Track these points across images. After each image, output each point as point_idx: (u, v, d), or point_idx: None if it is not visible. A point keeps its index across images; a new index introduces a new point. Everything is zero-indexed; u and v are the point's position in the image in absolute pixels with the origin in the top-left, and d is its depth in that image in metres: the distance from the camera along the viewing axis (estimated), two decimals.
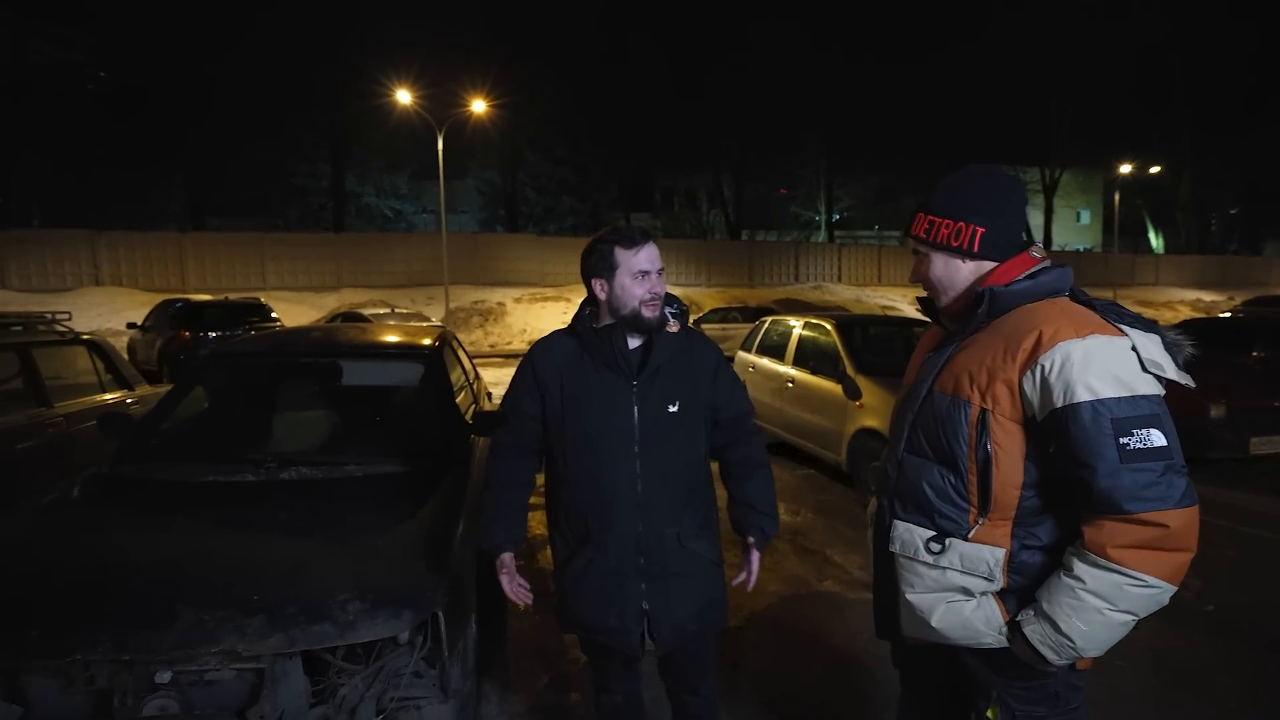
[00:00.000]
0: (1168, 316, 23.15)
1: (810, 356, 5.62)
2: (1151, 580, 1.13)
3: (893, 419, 1.50)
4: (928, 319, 1.55)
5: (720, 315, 16.45)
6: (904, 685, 1.70)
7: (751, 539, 1.78)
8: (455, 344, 4.31)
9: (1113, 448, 1.12)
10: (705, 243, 30.72)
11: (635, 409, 1.64)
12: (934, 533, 1.30)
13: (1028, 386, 1.20)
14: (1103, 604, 1.15)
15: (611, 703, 1.90)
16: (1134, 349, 1.18)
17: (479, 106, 19.63)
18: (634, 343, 1.68)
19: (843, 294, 27.53)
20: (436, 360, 3.18)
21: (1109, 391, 1.14)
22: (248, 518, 2.12)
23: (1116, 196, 29.68)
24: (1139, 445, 1.12)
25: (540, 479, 1.86)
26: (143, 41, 25.91)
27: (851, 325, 5.61)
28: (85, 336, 4.72)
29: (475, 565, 2.41)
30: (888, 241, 38.07)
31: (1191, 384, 1.21)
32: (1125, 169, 28.77)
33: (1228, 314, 14.45)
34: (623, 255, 1.62)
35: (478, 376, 4.78)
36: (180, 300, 11.69)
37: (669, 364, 1.68)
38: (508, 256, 24.46)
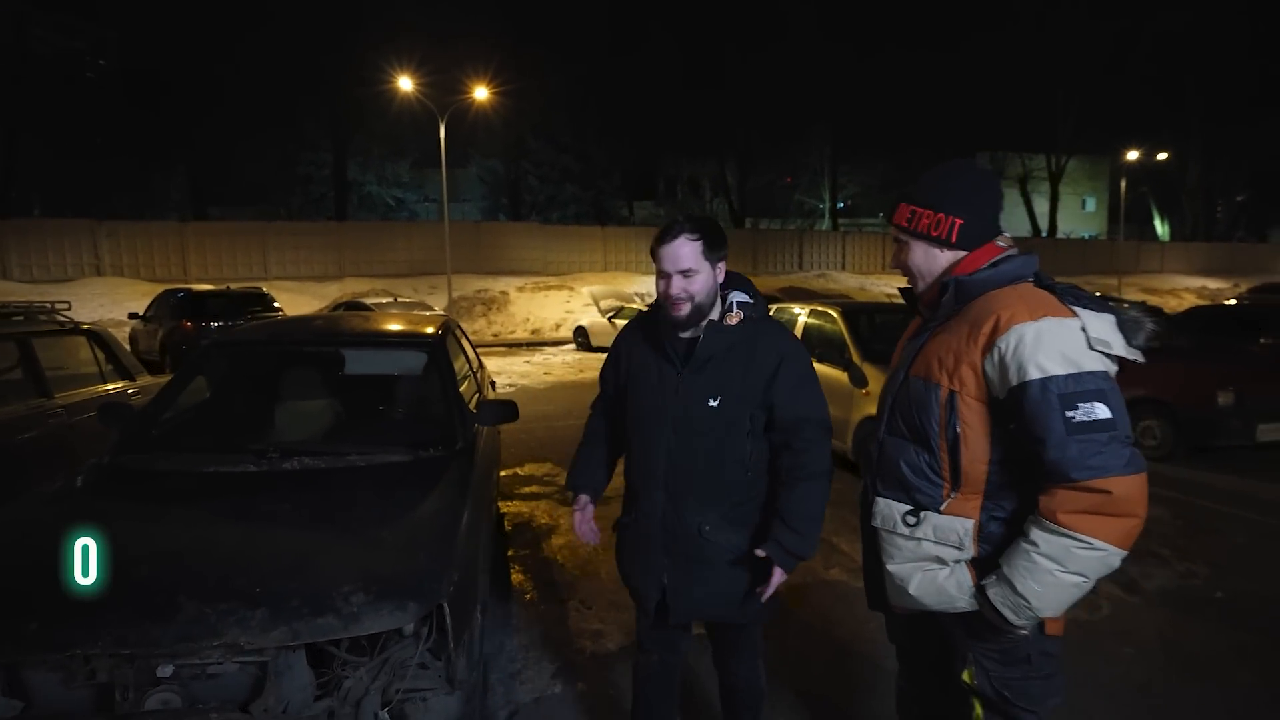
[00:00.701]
0: (1173, 304, 23.02)
1: (816, 344, 5.57)
2: (1098, 544, 1.20)
3: (878, 403, 1.58)
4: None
5: None
6: (900, 660, 1.77)
7: (762, 552, 1.62)
8: (458, 333, 4.28)
9: (1060, 420, 1.21)
10: None
11: (676, 398, 1.68)
12: (910, 507, 1.40)
13: (989, 368, 1.30)
14: (1054, 566, 1.23)
15: (646, 662, 1.96)
16: (1083, 329, 1.26)
17: (481, 94, 19.49)
18: (687, 334, 1.69)
19: (847, 282, 27.41)
20: (439, 349, 3.15)
21: (1057, 369, 1.23)
22: (250, 508, 2.10)
23: (1123, 183, 29.38)
24: (1084, 418, 1.21)
25: None
26: (145, 28, 25.80)
27: (857, 313, 5.56)
28: (86, 326, 4.69)
29: (481, 554, 2.40)
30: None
31: (1141, 359, 1.29)
32: (1132, 155, 28.49)
33: (1234, 301, 14.35)
34: (655, 252, 1.66)
35: (481, 366, 4.74)
36: (182, 290, 11.67)
37: (723, 357, 1.66)
38: (511, 245, 24.38)
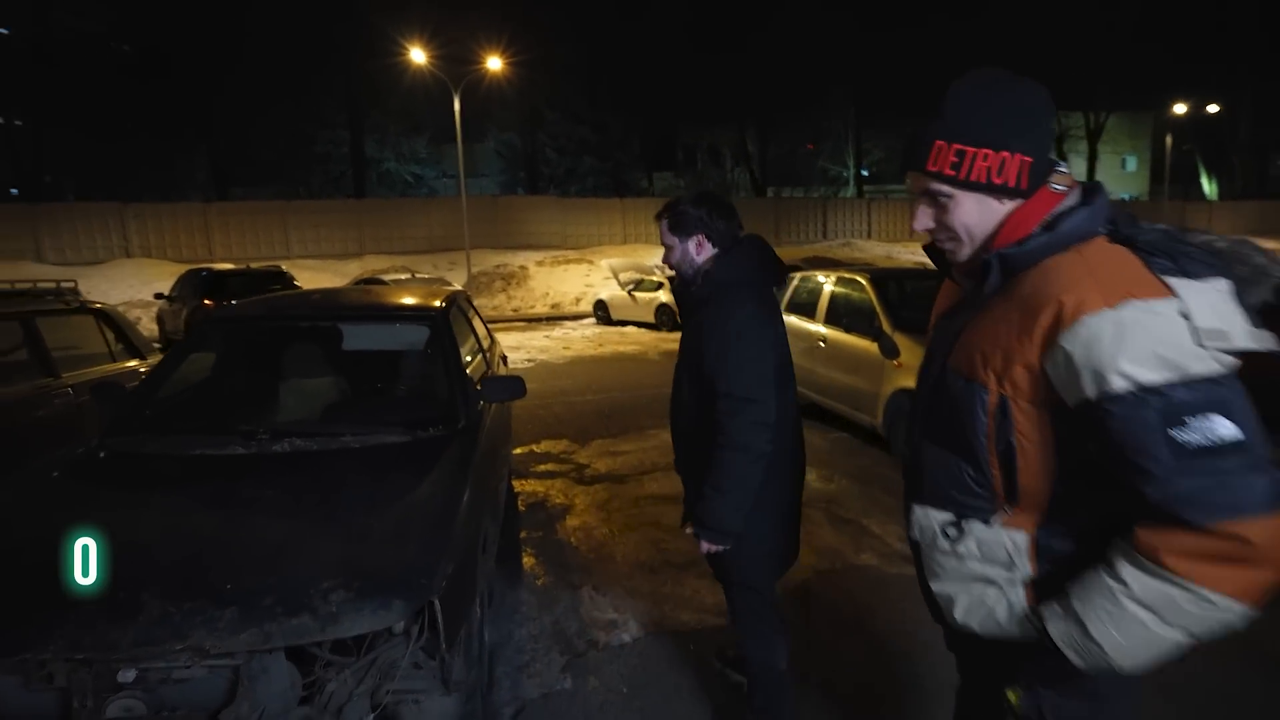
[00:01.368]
0: None
1: (843, 314, 5.30)
2: (1220, 599, 0.87)
3: (916, 386, 1.28)
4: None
5: None
6: (960, 673, 1.50)
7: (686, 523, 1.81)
8: (467, 306, 4.10)
9: (1164, 445, 0.87)
10: (731, 200, 29.91)
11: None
12: (951, 517, 1.12)
13: (1050, 370, 0.96)
14: (1148, 616, 0.91)
15: None
16: (1184, 314, 0.89)
17: (495, 64, 19.10)
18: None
19: (873, 250, 26.71)
20: (443, 323, 2.97)
21: (1151, 375, 0.88)
22: (231, 495, 1.95)
23: (1169, 139, 27.97)
24: (1200, 441, 0.86)
25: None
26: (160, 8, 25.71)
27: (887, 279, 5.25)
28: (96, 306, 4.62)
29: (483, 542, 2.24)
30: None
31: (1276, 347, 0.91)
32: (1180, 109, 27.05)
33: None
34: None
35: (493, 341, 4.57)
36: (204, 270, 11.70)
37: (692, 320, 1.88)
38: (529, 219, 24.15)
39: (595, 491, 4.29)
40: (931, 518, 1.15)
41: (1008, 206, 1.06)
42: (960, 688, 1.51)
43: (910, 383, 4.20)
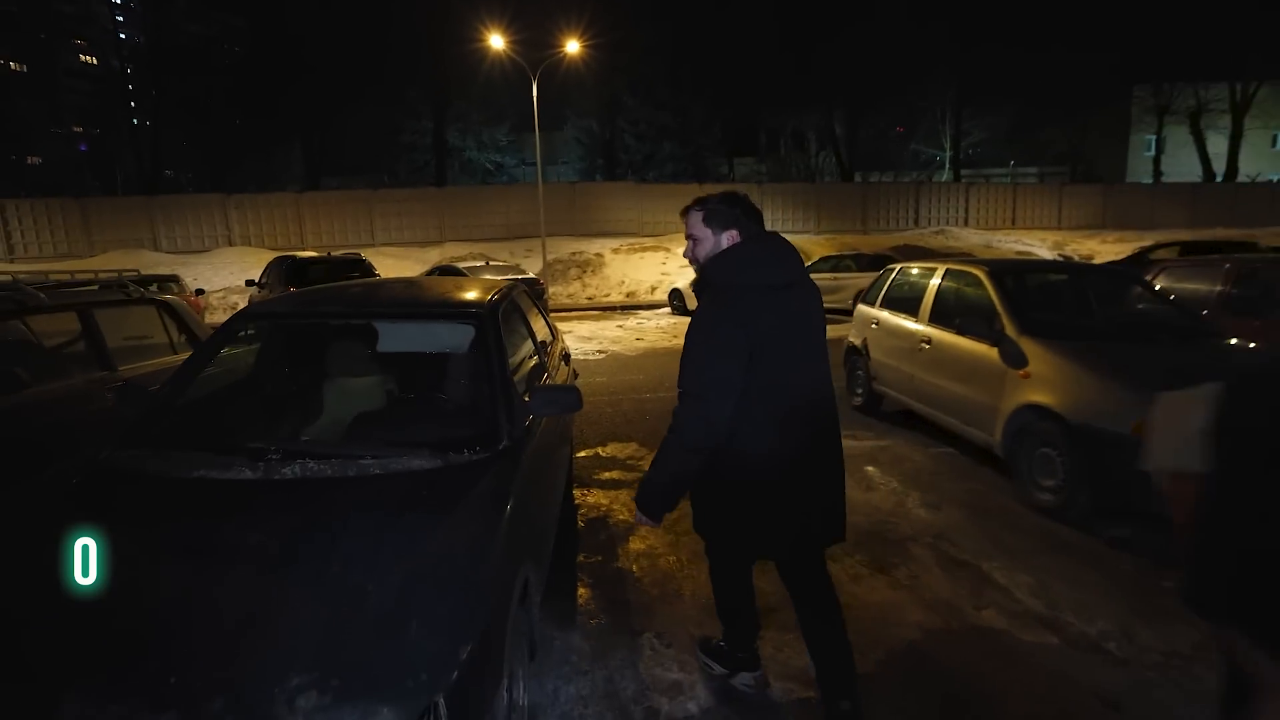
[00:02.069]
0: None
1: (954, 312, 4.59)
2: None
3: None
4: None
5: (831, 264, 15.04)
6: None
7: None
8: (525, 300, 3.73)
9: None
10: (814, 186, 28.65)
11: None
12: None
13: None
14: None
15: None
16: None
17: (573, 47, 18.81)
18: None
19: (970, 239, 24.80)
20: (491, 323, 2.58)
21: None
22: (211, 539, 1.62)
23: None
24: None
25: None
26: (261, 13, 27.12)
27: (1010, 273, 4.48)
28: (164, 298, 4.57)
29: (523, 590, 1.83)
30: (1024, 179, 33.91)
31: None
32: None
33: None
34: None
35: (555, 337, 4.18)
36: (289, 257, 12.03)
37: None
38: (606, 206, 23.88)
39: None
40: None
41: None
42: None
43: (1040, 396, 3.51)
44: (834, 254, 17.56)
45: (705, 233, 1.89)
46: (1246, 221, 23.77)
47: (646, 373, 8.25)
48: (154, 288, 12.86)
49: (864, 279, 13.79)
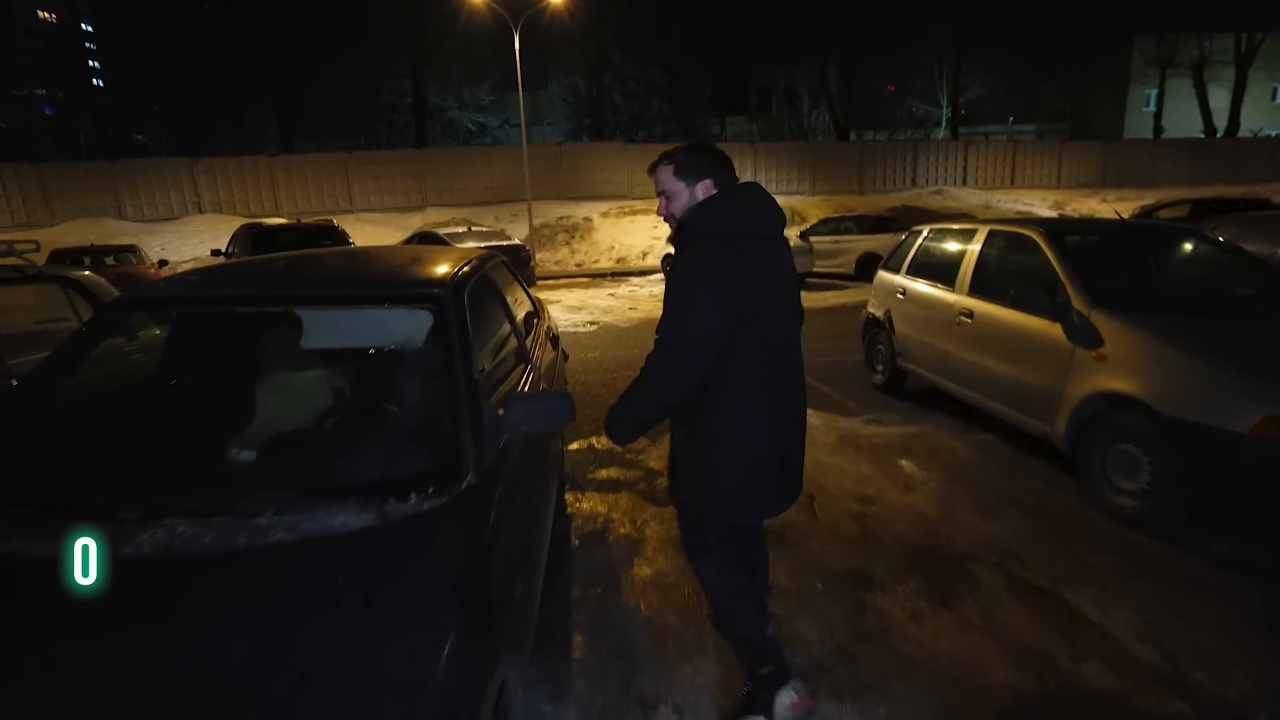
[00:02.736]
0: None
1: (1001, 281, 3.99)
2: None
3: None
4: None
5: (831, 226, 14.34)
6: None
7: None
8: (504, 273, 3.08)
9: None
10: (809, 145, 27.61)
11: None
12: None
13: None
14: None
15: None
16: None
17: None
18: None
19: (969, 199, 24.10)
20: (454, 306, 1.95)
21: None
22: None
23: None
24: None
25: None
26: None
27: (1073, 234, 3.86)
28: (76, 275, 3.87)
29: (499, 700, 1.26)
30: (1020, 137, 33.05)
31: None
32: None
33: None
34: None
35: (538, 315, 3.55)
36: (255, 225, 11.18)
37: None
38: (594, 167, 22.89)
39: (674, 516, 3.27)
40: None
41: None
42: None
43: (1120, 383, 2.93)
44: (834, 215, 16.85)
45: (678, 186, 1.81)
46: (1248, 178, 23.15)
47: (643, 346, 7.60)
48: (110, 260, 12.02)
49: (866, 241, 13.15)
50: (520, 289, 3.44)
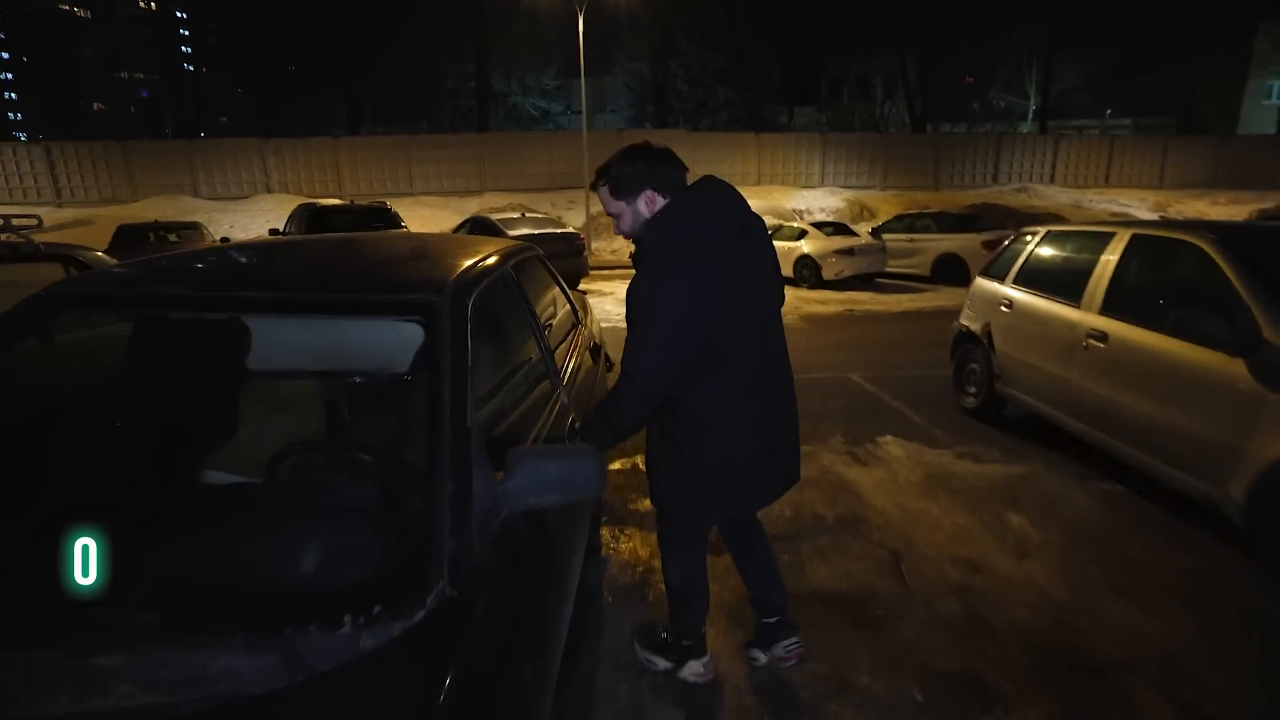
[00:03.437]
0: None
1: (1150, 298, 3.22)
2: None
3: None
4: None
5: (906, 223, 13.29)
6: None
7: None
8: (538, 270, 2.56)
9: None
10: (881, 136, 26.25)
11: None
12: None
13: None
14: None
15: None
16: None
17: None
18: None
19: (1057, 198, 22.35)
20: (452, 318, 1.44)
21: None
22: None
23: None
24: None
25: None
26: None
27: (1256, 242, 3.05)
28: (82, 255, 3.57)
29: None
30: (1118, 130, 30.52)
31: None
32: None
33: None
34: None
35: (580, 322, 3.01)
36: (310, 205, 11.10)
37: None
38: None
39: (726, 571, 2.69)
40: None
41: None
42: None
43: None
44: (909, 212, 15.73)
45: (619, 206, 1.70)
46: None
47: None
48: (173, 237, 12.20)
49: (945, 241, 12.08)
50: (557, 288, 2.91)
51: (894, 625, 2.37)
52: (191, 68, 32.25)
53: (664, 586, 2.10)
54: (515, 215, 12.92)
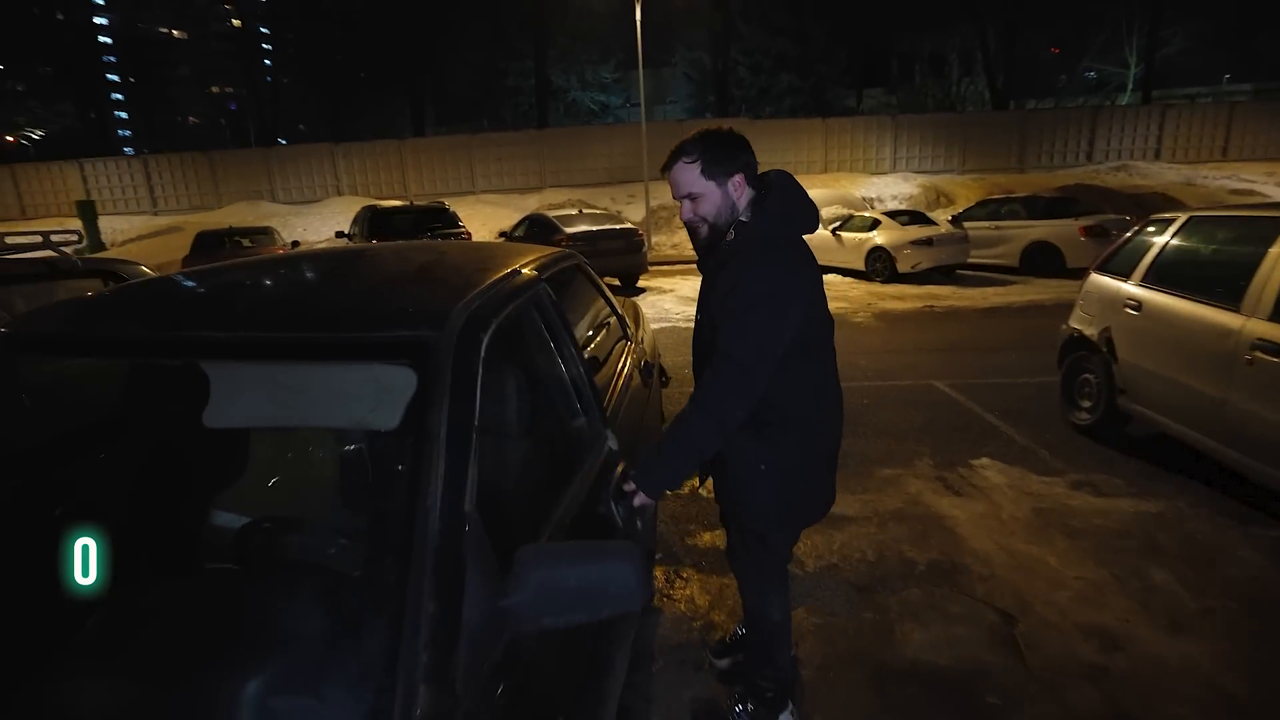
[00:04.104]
0: None
1: None
2: None
3: None
4: None
5: (990, 210, 12.23)
6: None
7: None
8: (580, 279, 2.21)
9: None
10: (958, 116, 24.62)
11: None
12: None
13: None
14: None
15: None
16: None
17: None
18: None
19: (1164, 175, 20.33)
20: (456, 361, 1.10)
21: None
22: None
23: None
24: None
25: None
26: None
27: None
28: (128, 267, 3.47)
29: None
30: (1237, 97, 27.59)
31: None
32: None
33: None
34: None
35: (629, 338, 2.64)
36: (372, 207, 11.20)
37: (717, 273, 1.61)
38: None
39: (811, 630, 2.27)
40: None
41: None
42: None
43: None
44: (993, 197, 14.56)
45: (708, 186, 1.59)
46: None
47: None
48: (246, 241, 12.61)
49: (1036, 229, 11.01)
50: (602, 300, 2.55)
51: (1013, 719, 1.90)
52: (271, 79, 33.86)
53: (746, 628, 1.94)
54: (573, 212, 12.69)
